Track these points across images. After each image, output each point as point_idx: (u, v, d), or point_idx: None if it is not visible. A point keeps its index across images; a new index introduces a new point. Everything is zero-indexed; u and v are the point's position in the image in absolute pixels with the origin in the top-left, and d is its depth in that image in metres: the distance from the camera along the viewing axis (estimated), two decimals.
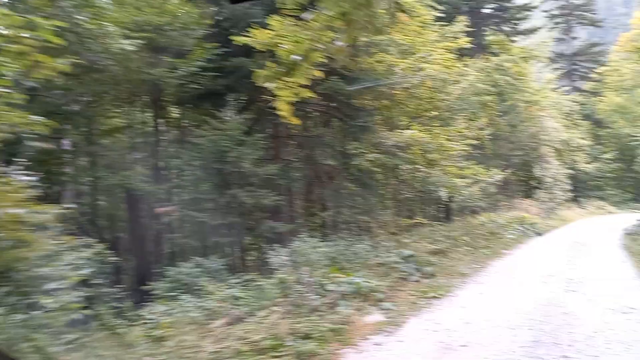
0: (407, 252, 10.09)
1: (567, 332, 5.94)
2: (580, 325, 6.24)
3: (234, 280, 7.37)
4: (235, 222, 9.32)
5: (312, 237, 9.69)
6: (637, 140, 30.27)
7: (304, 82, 3.92)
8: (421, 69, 12.80)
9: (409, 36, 13.46)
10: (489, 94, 17.93)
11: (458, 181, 16.73)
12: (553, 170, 26.75)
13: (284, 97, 3.93)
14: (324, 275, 7.46)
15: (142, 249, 11.76)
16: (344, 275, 7.97)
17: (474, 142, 19.20)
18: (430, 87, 15.19)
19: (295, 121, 4.37)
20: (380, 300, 7.35)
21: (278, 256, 7.93)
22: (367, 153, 13.89)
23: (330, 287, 7.07)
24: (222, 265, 8.11)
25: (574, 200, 30.54)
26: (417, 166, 15.74)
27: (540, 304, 7.34)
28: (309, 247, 8.33)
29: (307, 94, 4.12)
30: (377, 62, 13.27)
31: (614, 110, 34.43)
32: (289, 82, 3.85)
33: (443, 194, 18.40)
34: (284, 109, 4.04)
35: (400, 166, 15.01)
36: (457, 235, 15.03)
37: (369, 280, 7.97)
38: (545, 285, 8.73)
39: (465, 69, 17.00)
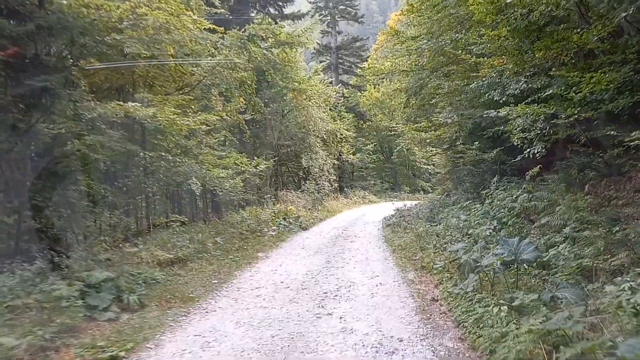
0: (103, 274, 6.67)
1: None
2: None
3: None
4: None
5: None
6: (393, 133, 32.12)
7: None
8: (139, 15, 9.51)
9: None
10: (246, 70, 15.53)
11: (216, 172, 14.14)
12: (320, 160, 26.20)
13: None
14: None
15: None
16: None
17: (232, 125, 16.87)
18: (173, 54, 12.32)
19: None
20: None
21: None
22: (86, 134, 10.13)
23: None
24: None
25: (340, 190, 30.88)
26: (162, 153, 12.76)
27: (280, 347, 4.82)
28: None
29: None
30: (83, 5, 9.55)
31: (374, 104, 36.34)
32: None
33: (196, 186, 15.55)
34: None
35: (138, 153, 11.75)
36: (208, 237, 12.27)
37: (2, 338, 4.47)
38: (294, 307, 6.37)
39: (221, 40, 14.43)
